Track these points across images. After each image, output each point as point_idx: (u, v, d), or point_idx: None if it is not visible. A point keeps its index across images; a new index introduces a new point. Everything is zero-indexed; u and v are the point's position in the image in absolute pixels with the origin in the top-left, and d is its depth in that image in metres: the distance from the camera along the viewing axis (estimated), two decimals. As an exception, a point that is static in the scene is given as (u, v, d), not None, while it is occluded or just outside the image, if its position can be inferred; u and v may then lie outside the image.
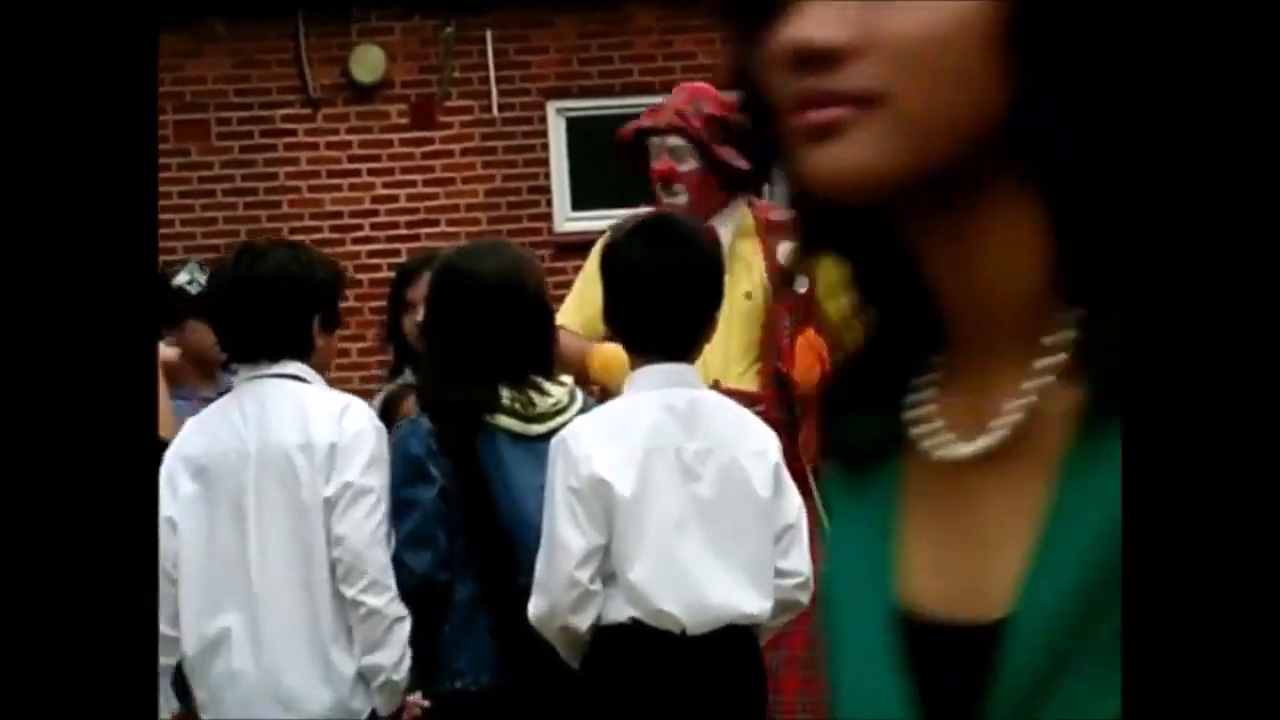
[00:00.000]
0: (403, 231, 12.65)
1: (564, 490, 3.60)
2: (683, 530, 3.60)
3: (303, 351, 3.91)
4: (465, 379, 3.97)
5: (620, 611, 3.61)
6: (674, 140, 5.11)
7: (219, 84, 12.62)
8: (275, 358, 3.89)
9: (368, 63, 12.67)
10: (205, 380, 5.79)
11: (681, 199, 5.10)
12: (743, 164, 5.02)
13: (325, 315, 3.97)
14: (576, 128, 12.91)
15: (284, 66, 12.69)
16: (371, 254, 12.45)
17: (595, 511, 3.57)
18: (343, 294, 4.06)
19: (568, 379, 4.20)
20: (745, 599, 3.63)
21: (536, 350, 4.06)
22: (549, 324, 4.17)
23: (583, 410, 4.08)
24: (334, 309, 4.00)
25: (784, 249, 5.10)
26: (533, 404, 4.03)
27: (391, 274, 12.49)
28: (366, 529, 3.77)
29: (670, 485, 3.61)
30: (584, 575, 3.56)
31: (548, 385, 4.05)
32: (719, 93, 5.17)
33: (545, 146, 12.81)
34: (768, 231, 5.11)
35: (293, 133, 12.68)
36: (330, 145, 12.70)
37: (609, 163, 13.00)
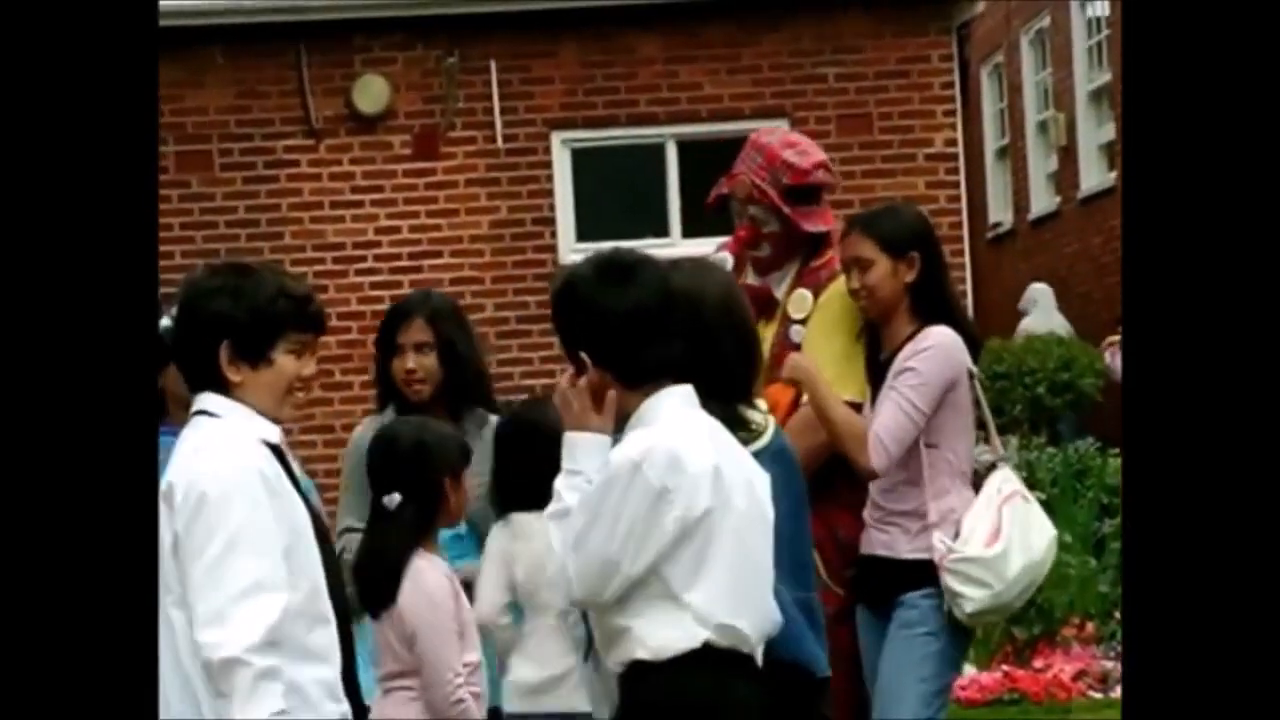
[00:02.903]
0: (405, 263, 12.56)
1: (642, 521, 3.62)
2: (739, 546, 3.70)
3: (211, 383, 3.79)
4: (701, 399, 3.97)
5: (690, 636, 3.65)
6: (754, 209, 5.24)
7: (220, 114, 12.55)
8: (193, 390, 3.84)
9: (371, 93, 12.60)
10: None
11: (765, 253, 5.26)
12: (821, 225, 5.19)
13: (235, 345, 3.76)
14: (581, 158, 12.84)
15: (286, 97, 12.62)
16: (374, 285, 12.36)
17: (675, 537, 3.64)
18: (272, 323, 3.76)
19: (762, 402, 4.26)
20: (775, 611, 3.77)
21: (747, 372, 4.14)
22: (758, 345, 4.30)
23: (776, 433, 4.15)
24: (246, 338, 3.75)
25: (797, 296, 5.19)
26: (745, 426, 4.06)
27: (394, 306, 12.46)
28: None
29: (730, 503, 3.70)
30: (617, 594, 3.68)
31: (747, 410, 4.10)
32: (792, 152, 5.24)
33: (550, 177, 12.73)
34: (800, 281, 5.26)
35: (295, 164, 12.61)
36: (333, 176, 12.62)
37: (614, 194, 13.04)
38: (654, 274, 3.81)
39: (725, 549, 3.66)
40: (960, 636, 4.91)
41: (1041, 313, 16.77)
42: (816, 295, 5.14)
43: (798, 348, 5.11)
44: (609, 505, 3.64)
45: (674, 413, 3.73)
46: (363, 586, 4.58)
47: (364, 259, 12.48)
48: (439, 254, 12.62)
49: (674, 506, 3.62)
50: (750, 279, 5.26)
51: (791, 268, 5.24)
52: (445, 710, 4.65)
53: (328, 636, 3.76)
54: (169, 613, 3.63)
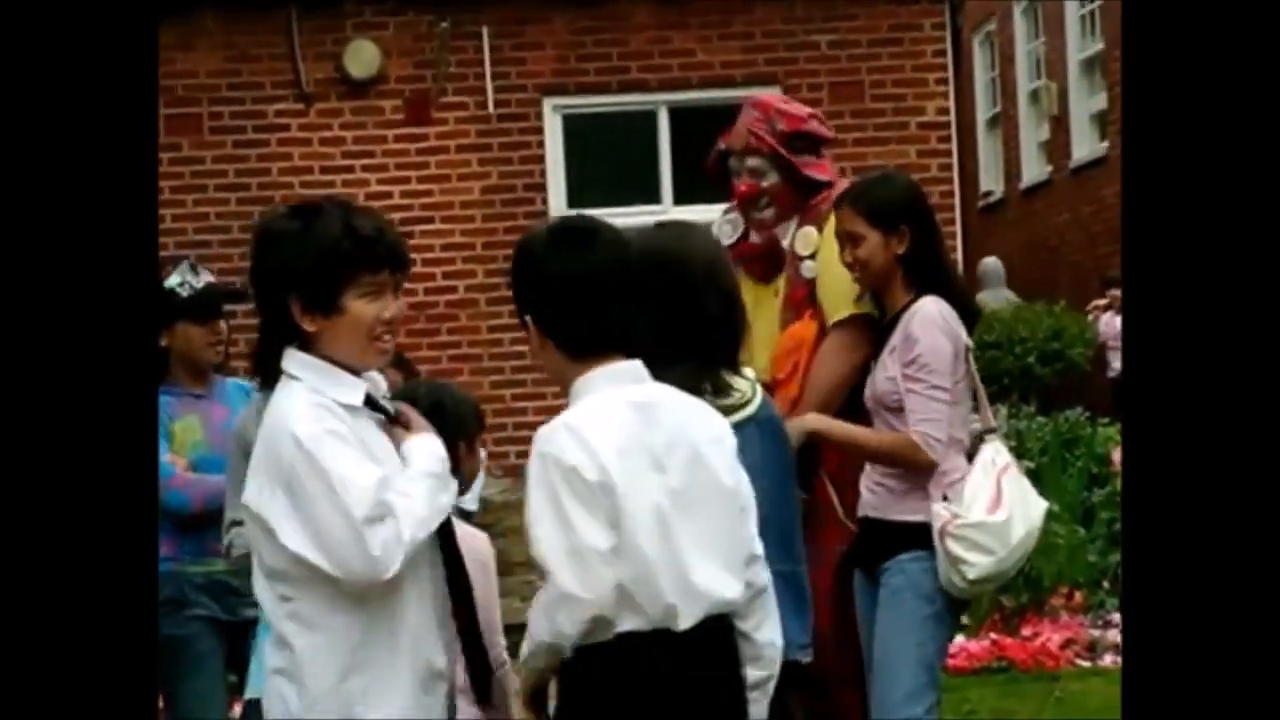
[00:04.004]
0: (397, 228, 12.51)
1: (572, 499, 3.52)
2: (663, 522, 3.57)
3: (292, 336, 3.58)
4: (675, 360, 3.90)
5: (618, 625, 3.55)
6: (752, 160, 5.28)
7: (211, 78, 12.51)
8: (278, 343, 3.65)
9: (362, 58, 12.56)
10: (195, 381, 5.69)
11: (768, 213, 5.29)
12: (821, 174, 5.26)
13: (303, 295, 3.56)
14: (573, 124, 12.82)
15: (277, 61, 12.58)
16: (365, 251, 12.33)
17: (609, 514, 3.53)
18: (338, 268, 3.54)
19: (750, 371, 4.20)
20: (724, 585, 3.63)
21: (731, 337, 4.08)
22: (743, 310, 4.20)
23: (762, 403, 4.06)
24: (313, 288, 3.55)
25: (802, 234, 5.22)
26: (726, 391, 4.01)
27: (385, 271, 12.41)
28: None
29: (646, 480, 3.58)
30: (616, 577, 3.52)
31: (732, 377, 4.04)
32: (787, 105, 5.38)
33: (541, 143, 12.71)
34: (804, 221, 5.30)
35: (286, 128, 12.57)
36: (324, 141, 12.59)
37: (605, 160, 13.02)
38: (612, 244, 3.71)
39: (643, 526, 3.56)
40: (953, 598, 4.92)
41: (991, 288, 16.82)
42: (820, 229, 5.17)
43: (811, 283, 5.15)
44: (542, 505, 3.55)
45: (597, 391, 3.64)
46: None
47: (355, 224, 12.45)
48: (430, 220, 12.61)
49: (589, 473, 3.54)
50: (755, 238, 5.29)
51: (794, 220, 5.27)
52: (494, 673, 4.65)
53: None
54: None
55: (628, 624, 3.56)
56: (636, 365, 3.70)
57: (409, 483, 3.57)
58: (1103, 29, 17.77)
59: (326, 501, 3.46)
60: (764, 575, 3.74)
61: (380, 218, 3.79)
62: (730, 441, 3.73)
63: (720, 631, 3.66)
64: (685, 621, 3.58)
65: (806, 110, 5.36)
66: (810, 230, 5.21)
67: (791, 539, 4.15)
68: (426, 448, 3.66)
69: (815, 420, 4.91)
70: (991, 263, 17.23)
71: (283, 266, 3.60)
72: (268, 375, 3.66)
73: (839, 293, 5.09)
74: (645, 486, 3.58)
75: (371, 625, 3.56)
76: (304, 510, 3.49)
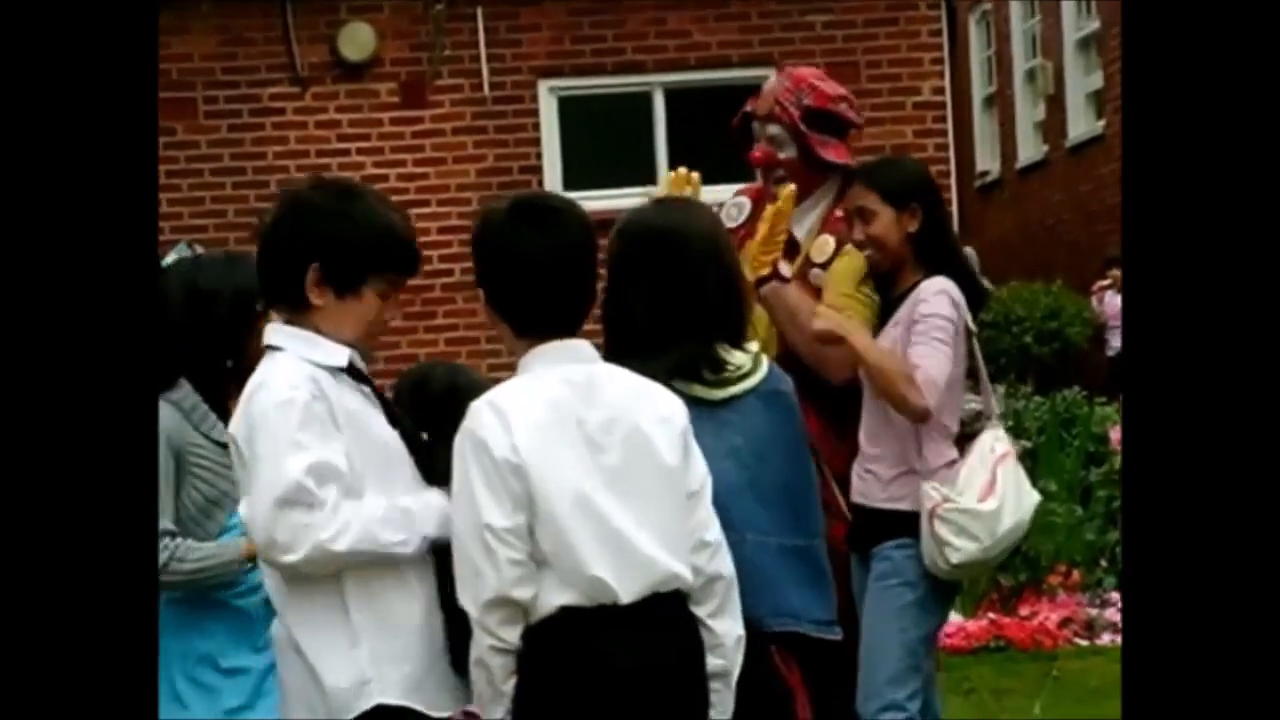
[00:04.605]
0: (393, 212, 12.53)
1: (479, 475, 3.53)
2: (596, 500, 3.57)
3: (289, 301, 3.64)
4: (674, 339, 3.91)
5: (551, 599, 3.55)
6: (773, 128, 5.25)
7: (206, 61, 12.50)
8: (270, 305, 3.73)
9: (357, 40, 12.55)
10: None
11: (782, 186, 5.23)
12: (835, 157, 5.21)
13: (326, 268, 3.62)
14: (568, 106, 12.81)
15: (272, 44, 12.57)
16: (361, 234, 12.33)
17: (516, 492, 3.53)
18: (371, 255, 3.61)
19: (753, 344, 4.17)
20: (667, 562, 3.60)
21: (731, 312, 4.04)
22: (742, 283, 4.15)
23: (767, 375, 4.04)
24: (340, 263, 3.61)
25: (820, 241, 5.18)
26: (722, 367, 3.99)
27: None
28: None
29: (577, 457, 3.58)
30: (522, 555, 3.52)
31: (730, 352, 4.00)
32: (821, 82, 5.32)
33: (537, 125, 12.70)
34: (825, 227, 5.25)
35: (281, 111, 12.56)
36: (319, 124, 12.58)
37: (601, 141, 13.01)
38: (571, 226, 3.69)
39: (562, 503, 3.56)
40: (940, 584, 4.92)
41: None
42: (839, 244, 5.14)
43: (817, 291, 5.11)
44: (459, 481, 3.56)
45: (534, 369, 3.66)
46: None
47: (350, 207, 12.44)
48: (426, 203, 12.60)
49: (496, 451, 3.54)
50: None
51: (812, 210, 5.23)
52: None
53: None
54: None
55: (556, 599, 3.55)
56: (582, 344, 3.70)
57: (390, 511, 3.57)
58: (1098, 7, 17.76)
59: (263, 469, 3.50)
60: (719, 564, 3.69)
61: (410, 222, 3.84)
62: (680, 423, 3.68)
63: (673, 610, 3.63)
64: (626, 596, 3.56)
65: (839, 91, 5.30)
66: (829, 240, 5.15)
67: (805, 512, 4.10)
68: (438, 505, 3.65)
69: (835, 317, 4.85)
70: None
71: (317, 234, 3.61)
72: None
73: (841, 278, 5.08)
74: (567, 463, 3.57)
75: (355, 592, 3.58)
76: (249, 476, 3.54)
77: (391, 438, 3.68)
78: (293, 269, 3.62)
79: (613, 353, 3.89)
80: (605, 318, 4.01)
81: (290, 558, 3.49)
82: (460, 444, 3.59)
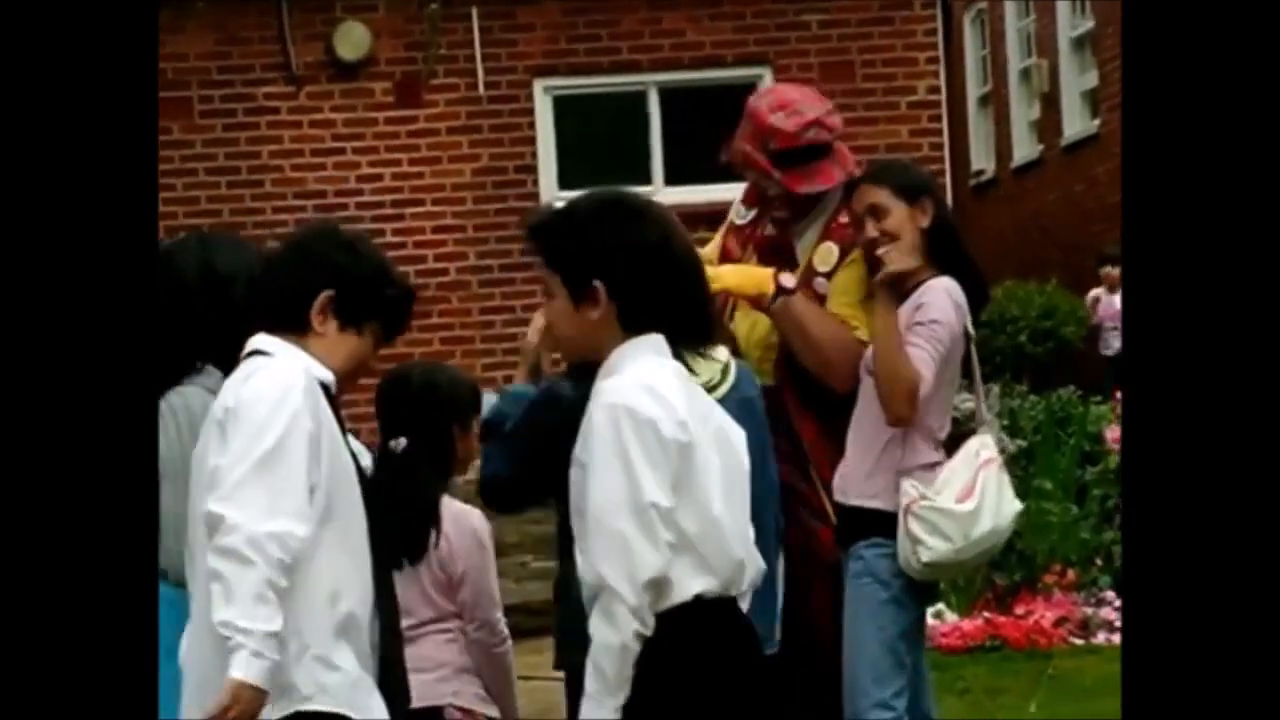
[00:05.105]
0: (388, 211, 12.53)
1: (642, 454, 3.48)
2: (724, 486, 3.60)
3: (283, 324, 3.75)
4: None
5: (689, 585, 3.51)
6: (751, 175, 5.23)
7: (201, 61, 12.48)
8: (258, 327, 3.82)
9: (352, 39, 12.54)
10: None
11: (781, 213, 5.23)
12: (822, 183, 5.10)
13: (338, 298, 3.75)
14: (564, 106, 12.80)
15: (267, 43, 12.55)
16: (356, 233, 12.32)
17: (677, 473, 3.50)
18: (382, 298, 3.78)
19: (722, 353, 4.08)
20: (758, 558, 3.68)
21: (691, 317, 3.84)
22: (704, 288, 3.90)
23: (736, 383, 3.98)
24: (352, 297, 3.78)
25: (823, 249, 5.16)
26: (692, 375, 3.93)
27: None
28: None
29: (709, 443, 3.61)
30: (674, 537, 3.49)
31: (695, 360, 3.87)
32: (781, 115, 5.10)
33: (532, 125, 12.70)
34: (829, 235, 5.21)
35: (276, 110, 12.55)
36: (314, 123, 12.57)
37: (596, 141, 13.00)
38: (672, 223, 3.73)
39: (715, 485, 3.57)
40: (912, 582, 4.91)
41: None
42: (844, 252, 5.11)
43: (822, 300, 5.09)
44: (608, 458, 3.49)
45: (645, 359, 3.63)
46: (398, 533, 4.31)
47: (345, 207, 12.44)
48: (421, 202, 12.59)
49: (665, 429, 3.51)
50: (771, 229, 5.25)
51: (815, 220, 5.20)
52: (495, 648, 4.62)
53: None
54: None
55: (697, 585, 3.53)
56: (665, 341, 3.69)
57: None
58: (1093, 6, 17.76)
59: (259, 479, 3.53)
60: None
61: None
62: (740, 429, 3.76)
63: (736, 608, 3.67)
64: (744, 584, 3.63)
65: (805, 118, 5.09)
66: (833, 248, 5.13)
67: (762, 530, 4.02)
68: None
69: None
70: None
71: (338, 265, 3.74)
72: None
73: (845, 288, 5.08)
74: (711, 449, 3.59)
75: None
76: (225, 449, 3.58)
77: (346, 456, 3.73)
78: (304, 291, 3.71)
79: (576, 366, 3.91)
80: None
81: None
82: (612, 422, 3.51)
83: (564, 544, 4.21)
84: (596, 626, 3.48)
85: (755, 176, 5.18)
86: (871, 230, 4.92)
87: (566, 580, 4.19)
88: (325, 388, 3.72)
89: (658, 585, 3.48)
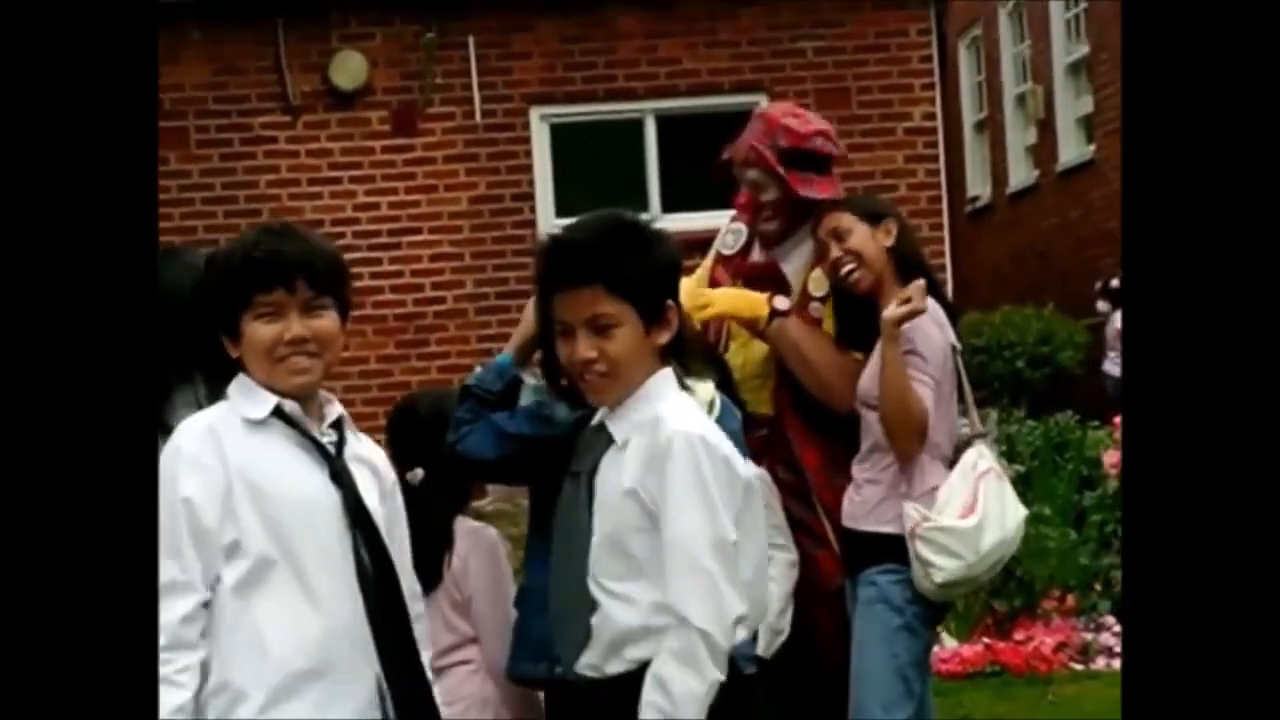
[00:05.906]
0: (385, 240, 12.55)
1: (720, 492, 3.40)
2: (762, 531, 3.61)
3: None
4: None
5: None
6: (753, 173, 5.22)
7: (197, 91, 12.51)
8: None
9: (348, 69, 12.57)
10: None
11: (771, 225, 5.24)
12: (819, 192, 5.15)
13: (218, 322, 3.57)
14: (560, 133, 12.83)
15: (263, 73, 12.58)
16: (354, 262, 12.32)
17: (737, 508, 3.45)
18: (234, 291, 3.48)
19: (707, 386, 4.04)
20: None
21: (695, 346, 3.80)
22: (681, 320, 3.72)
23: (720, 417, 3.95)
24: (220, 315, 3.55)
25: (816, 275, 5.17)
26: None
27: (374, 283, 12.51)
28: None
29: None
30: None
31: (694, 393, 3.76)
32: (794, 119, 5.25)
33: (529, 152, 12.72)
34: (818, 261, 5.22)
35: (273, 140, 12.58)
36: (311, 153, 12.59)
37: (593, 169, 13.02)
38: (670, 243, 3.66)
39: (759, 526, 3.55)
40: (927, 607, 4.91)
41: None
42: None
43: (817, 324, 5.10)
44: (689, 486, 3.39)
45: (676, 390, 3.54)
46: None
47: (343, 235, 12.46)
48: (418, 230, 12.61)
49: (737, 465, 3.46)
50: (757, 256, 5.26)
51: (802, 243, 5.21)
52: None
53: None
54: None
55: (744, 629, 3.49)
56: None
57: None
58: (1088, 32, 17.80)
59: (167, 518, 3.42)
60: None
61: (299, 235, 3.60)
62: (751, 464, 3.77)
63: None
64: (757, 626, 3.65)
65: (814, 126, 5.22)
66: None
67: None
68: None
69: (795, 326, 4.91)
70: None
71: (195, 296, 3.60)
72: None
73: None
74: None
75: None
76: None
77: (319, 488, 3.49)
78: (209, 334, 3.56)
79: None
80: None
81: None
82: (691, 453, 3.40)
83: (531, 551, 4.25)
84: (677, 673, 3.34)
85: (757, 175, 5.20)
86: (835, 250, 4.97)
87: (529, 590, 4.22)
88: (284, 417, 3.51)
89: (738, 626, 3.40)
